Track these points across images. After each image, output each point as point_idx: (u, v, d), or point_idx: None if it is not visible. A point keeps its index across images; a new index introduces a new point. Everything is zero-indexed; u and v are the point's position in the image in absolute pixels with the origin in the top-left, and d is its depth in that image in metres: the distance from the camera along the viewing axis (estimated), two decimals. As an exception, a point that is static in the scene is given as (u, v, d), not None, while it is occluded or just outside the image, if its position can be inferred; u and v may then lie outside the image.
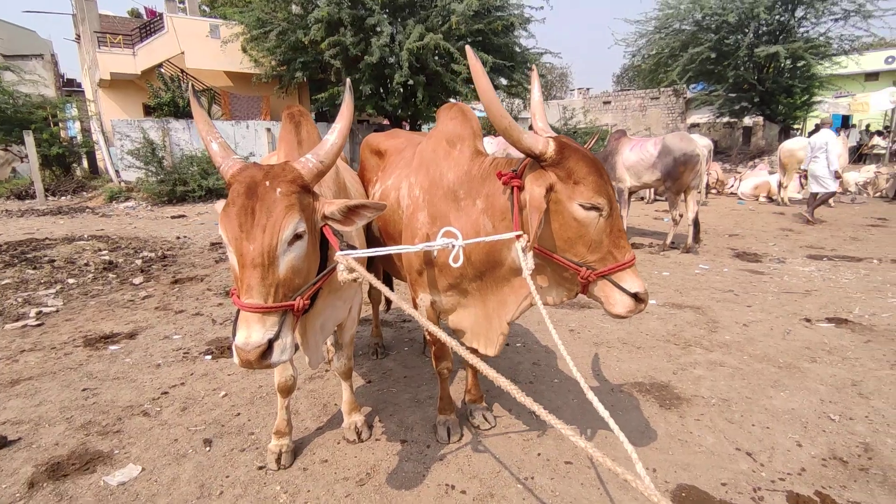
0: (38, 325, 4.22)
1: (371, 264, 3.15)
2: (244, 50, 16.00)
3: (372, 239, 2.71)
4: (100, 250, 6.99)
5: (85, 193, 14.61)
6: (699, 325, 4.14)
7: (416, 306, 2.41)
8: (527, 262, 1.75)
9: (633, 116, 29.55)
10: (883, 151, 18.96)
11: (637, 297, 1.74)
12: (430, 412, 2.82)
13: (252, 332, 1.44)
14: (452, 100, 16.67)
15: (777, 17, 18.58)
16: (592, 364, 3.45)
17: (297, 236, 1.54)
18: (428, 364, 3.47)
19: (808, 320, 4.18)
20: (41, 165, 14.36)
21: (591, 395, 1.37)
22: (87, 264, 6.19)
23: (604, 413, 1.33)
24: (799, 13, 18.61)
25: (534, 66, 2.27)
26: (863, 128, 22.10)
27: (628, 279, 1.75)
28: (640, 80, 27.32)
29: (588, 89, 36.52)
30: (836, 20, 18.43)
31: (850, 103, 19.37)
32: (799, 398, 2.93)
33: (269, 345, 1.46)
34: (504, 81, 16.91)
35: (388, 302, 4.03)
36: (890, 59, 24.68)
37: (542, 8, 16.63)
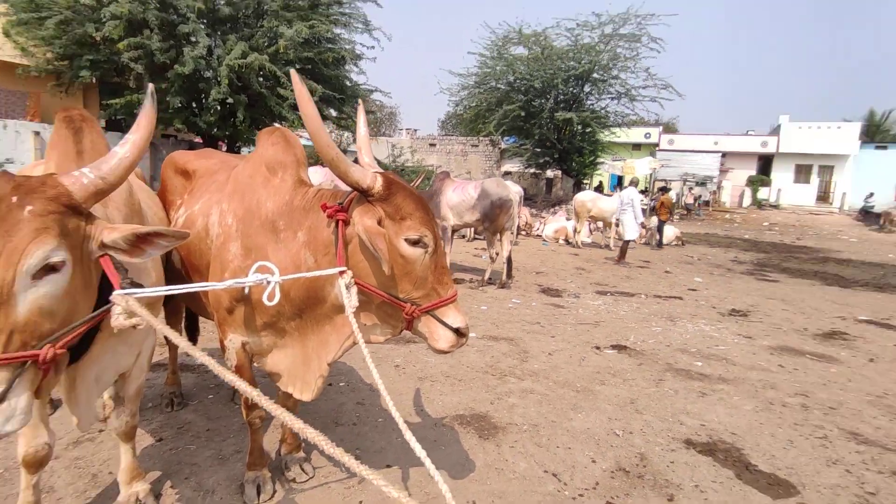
0: None
1: (170, 300, 2.71)
2: (6, 34, 13.07)
3: (173, 272, 2.33)
4: None
5: None
6: (513, 355, 4.47)
7: (223, 348, 2.12)
8: (350, 299, 1.66)
9: (456, 160, 31.95)
10: (645, 207, 23.65)
11: (459, 332, 1.77)
12: (236, 469, 2.47)
13: None
14: (277, 124, 15.99)
15: (571, 88, 22.17)
16: (416, 399, 3.44)
17: (51, 268, 1.21)
18: (237, 412, 3.08)
19: (597, 348, 4.83)
20: None
21: (409, 437, 1.31)
22: None
23: (421, 454, 1.27)
24: (587, 88, 22.50)
25: (360, 101, 2.25)
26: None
27: (451, 314, 1.77)
28: (462, 128, 29.87)
29: (416, 130, 38.52)
30: (612, 99, 22.78)
31: (622, 166, 23.83)
32: (593, 418, 3.30)
33: None
34: (334, 113, 16.83)
35: (193, 341, 3.52)
36: (647, 135, 31.37)
37: (373, 47, 17.01)
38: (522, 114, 21.51)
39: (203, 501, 2.23)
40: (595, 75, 21.49)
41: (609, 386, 3.89)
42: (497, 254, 7.53)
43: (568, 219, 15.11)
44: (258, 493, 2.24)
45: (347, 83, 16.18)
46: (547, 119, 21.67)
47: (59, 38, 12.30)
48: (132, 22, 11.89)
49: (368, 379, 3.71)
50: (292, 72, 1.72)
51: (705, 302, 7.22)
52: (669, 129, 37.22)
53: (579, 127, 21.70)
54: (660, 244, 14.15)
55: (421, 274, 1.73)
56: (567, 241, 13.78)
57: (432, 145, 32.97)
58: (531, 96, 21.78)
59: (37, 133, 13.42)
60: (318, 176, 9.02)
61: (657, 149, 31.07)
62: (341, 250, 1.72)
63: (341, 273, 1.68)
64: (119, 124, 15.87)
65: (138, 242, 1.38)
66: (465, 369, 4.04)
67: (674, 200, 18.83)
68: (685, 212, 25.82)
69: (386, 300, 1.74)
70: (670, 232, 15.03)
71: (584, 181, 25.75)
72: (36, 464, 1.82)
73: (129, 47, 11.83)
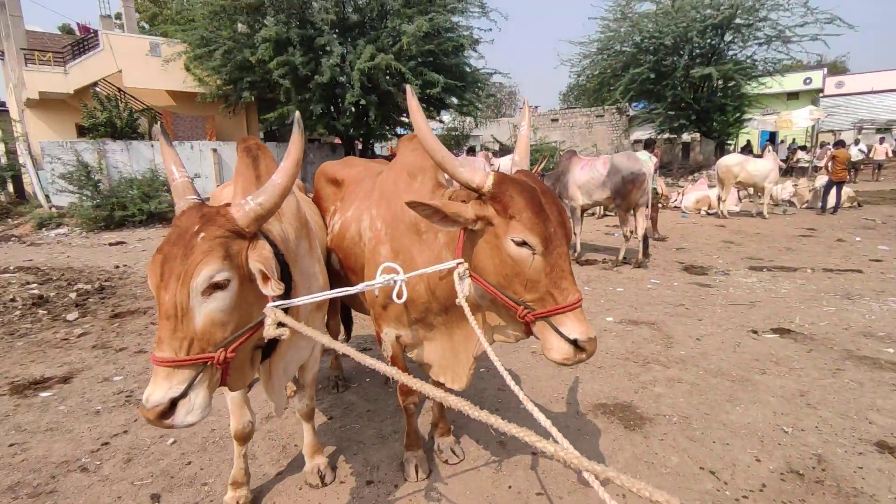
0: (-43, 373, 3.82)
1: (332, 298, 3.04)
2: (187, 69, 15.48)
3: (332, 273, 2.61)
4: (28, 283, 6.46)
5: (10, 220, 13.57)
6: (655, 341, 4.25)
7: (380, 340, 2.34)
8: (462, 288, 1.73)
9: (580, 133, 30.64)
10: (806, 165, 20.44)
11: (577, 344, 1.61)
12: (395, 448, 2.73)
13: (155, 390, 1.33)
14: (404, 118, 16.76)
15: (708, 40, 19.87)
16: (555, 387, 3.45)
17: (217, 286, 1.41)
18: (391, 396, 3.38)
19: (754, 332, 4.37)
20: (-40, 191, 13.25)
21: (531, 408, 1.25)
22: (13, 300, 5.70)
23: (563, 441, 1.16)
24: (728, 37, 19.98)
25: (525, 100, 2.27)
26: (789, 143, 23.80)
27: (568, 323, 1.62)
28: (586, 99, 28.46)
29: (536, 107, 37.62)
30: (760, 44, 19.94)
31: (776, 120, 20.81)
32: (753, 412, 3.03)
33: (173, 404, 1.34)
34: (455, 101, 17.14)
35: (348, 331, 3.92)
36: (808, 80, 26.86)
37: (490, 30, 17.05)
38: (652, 76, 19.88)
39: (371, 476, 2.51)
40: (738, 21, 18.98)
41: (772, 375, 3.51)
42: (631, 231, 7.13)
43: (710, 186, 13.71)
44: (416, 472, 2.46)
45: (467, 69, 16.36)
46: (681, 78, 19.76)
47: (225, 65, 14.33)
48: (279, 42, 13.34)
49: (509, 364, 3.80)
50: (407, 87, 1.82)
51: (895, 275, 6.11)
52: (837, 69, 31.61)
53: (720, 82, 19.50)
54: (835, 208, 12.10)
55: (532, 276, 1.65)
56: (710, 212, 12.53)
57: (554, 120, 31.98)
58: (661, 55, 19.98)
59: (214, 150, 15.81)
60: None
61: (821, 95, 26.58)
62: (460, 244, 1.79)
63: (459, 264, 1.76)
64: (274, 135, 17.99)
65: (264, 278, 1.49)
66: (605, 356, 3.94)
67: (852, 155, 15.82)
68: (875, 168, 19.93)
69: (499, 299, 1.73)
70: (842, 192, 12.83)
71: (729, 142, 23.04)
72: (244, 437, 2.20)
73: (277, 65, 13.33)
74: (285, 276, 1.73)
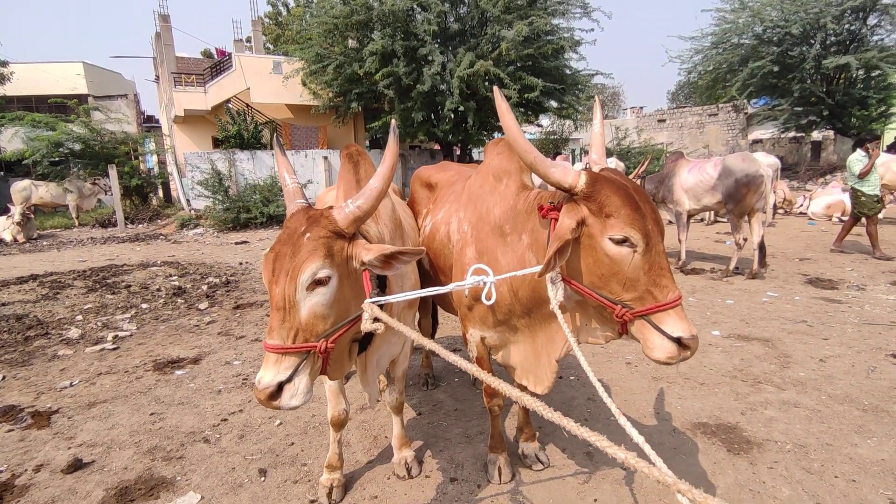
0: (114, 349, 4.52)
1: (423, 298, 3.16)
2: (304, 84, 16.87)
3: (423, 273, 2.73)
4: (170, 276, 7.45)
5: (159, 221, 15.70)
6: (769, 359, 3.86)
7: (466, 341, 2.40)
8: (555, 293, 1.71)
9: (690, 134, 28.61)
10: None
11: (680, 342, 1.58)
12: (480, 448, 2.77)
13: (266, 373, 1.48)
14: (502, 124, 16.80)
15: (847, 26, 17.63)
16: (651, 401, 3.28)
17: (319, 282, 1.54)
18: (478, 397, 3.43)
19: (894, 356, 3.81)
20: (122, 196, 15.59)
21: (622, 421, 1.22)
22: (158, 289, 6.61)
23: (652, 455, 1.13)
24: (872, 21, 17.58)
25: (597, 98, 2.23)
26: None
27: (670, 321, 1.58)
28: (697, 97, 26.52)
29: (641, 108, 35.77)
30: (915, 26, 17.29)
31: (934, 114, 17.91)
32: (889, 447, 2.65)
33: (280, 387, 1.48)
34: (554, 104, 16.85)
35: (434, 331, 4.04)
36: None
37: (592, 30, 16.52)
38: (776, 69, 18.05)
39: (455, 473, 2.58)
40: (886, 0, 16.62)
41: (916, 408, 3.04)
42: (745, 239, 6.53)
43: (845, 190, 12.10)
44: (499, 474, 2.48)
45: (567, 72, 16.03)
46: (811, 70, 17.72)
47: (336, 79, 15.50)
48: (384, 55, 14.11)
49: (600, 374, 3.68)
50: (495, 89, 1.84)
51: None
52: None
53: (860, 72, 17.14)
54: None
55: (630, 275, 1.61)
56: (843, 219, 11.06)
57: (661, 121, 30.21)
58: (787, 46, 18.09)
59: (325, 158, 17.05)
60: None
61: None
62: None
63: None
64: (379, 143, 19.04)
65: (388, 259, 1.66)
66: (708, 372, 3.67)
67: None
68: None
69: (595, 300, 1.70)
70: None
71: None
72: (339, 424, 2.38)
73: (383, 77, 14.09)
74: (380, 274, 1.85)
